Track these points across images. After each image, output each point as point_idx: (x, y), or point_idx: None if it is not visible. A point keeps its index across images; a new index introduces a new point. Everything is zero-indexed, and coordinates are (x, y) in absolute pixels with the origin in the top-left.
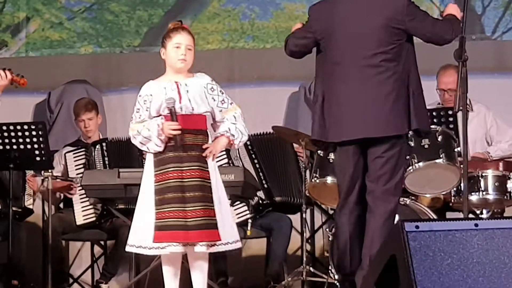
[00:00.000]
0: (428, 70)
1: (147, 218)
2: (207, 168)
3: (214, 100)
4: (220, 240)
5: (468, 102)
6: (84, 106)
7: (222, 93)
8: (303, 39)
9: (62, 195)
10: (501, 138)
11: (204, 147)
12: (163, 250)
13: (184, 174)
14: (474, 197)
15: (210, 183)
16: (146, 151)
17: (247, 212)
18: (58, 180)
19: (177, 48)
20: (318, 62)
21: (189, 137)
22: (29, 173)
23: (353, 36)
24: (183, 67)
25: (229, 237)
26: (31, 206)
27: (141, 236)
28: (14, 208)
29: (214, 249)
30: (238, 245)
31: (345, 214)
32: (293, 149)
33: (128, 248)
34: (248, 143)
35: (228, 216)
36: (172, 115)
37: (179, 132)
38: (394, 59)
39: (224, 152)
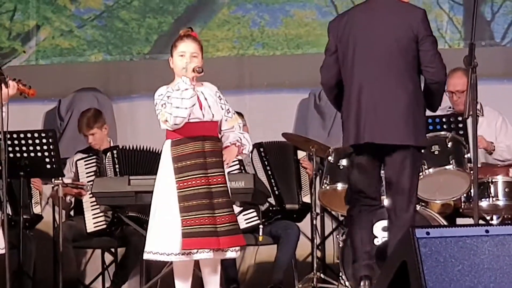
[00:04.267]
0: None
1: (170, 225)
2: (225, 174)
3: (222, 109)
4: (245, 244)
5: (479, 107)
6: (85, 124)
7: (227, 102)
8: (331, 66)
9: (72, 200)
10: (510, 141)
11: (223, 153)
12: (194, 256)
13: (211, 180)
14: (484, 203)
15: (227, 187)
16: (181, 116)
17: (256, 218)
18: (68, 187)
19: (182, 56)
20: (343, 71)
21: (211, 144)
22: None
23: (373, 45)
24: (190, 75)
25: None
26: (39, 213)
27: (164, 243)
28: (24, 216)
29: (236, 255)
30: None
31: (358, 213)
32: (296, 157)
33: (146, 256)
34: (261, 149)
35: None
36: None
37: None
38: (413, 68)
39: (236, 158)
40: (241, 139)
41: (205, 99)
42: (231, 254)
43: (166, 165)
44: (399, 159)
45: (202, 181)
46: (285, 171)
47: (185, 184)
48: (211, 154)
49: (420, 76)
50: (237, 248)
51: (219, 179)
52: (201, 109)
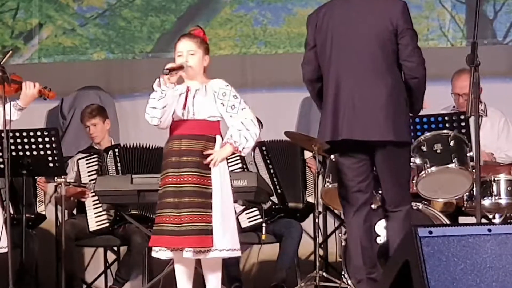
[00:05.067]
0: (439, 75)
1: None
2: (209, 174)
3: (223, 105)
4: (212, 246)
5: (483, 107)
6: (88, 113)
7: (236, 97)
8: (311, 61)
9: (76, 200)
10: (509, 146)
11: (205, 153)
12: (157, 254)
13: (181, 179)
14: (486, 202)
15: (210, 189)
16: (156, 117)
17: (259, 216)
18: (71, 186)
19: (180, 56)
20: (321, 65)
21: (189, 142)
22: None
23: (351, 38)
24: (189, 73)
25: (227, 244)
26: (43, 212)
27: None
28: (26, 215)
29: (206, 256)
30: (236, 253)
31: (355, 216)
32: (302, 157)
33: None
34: (264, 148)
35: (230, 223)
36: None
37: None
38: (392, 62)
39: (238, 157)
40: (232, 136)
41: (193, 97)
42: (186, 254)
43: None
44: (380, 155)
45: (174, 179)
46: (289, 170)
47: (162, 182)
48: (187, 153)
49: (402, 70)
50: (229, 247)
51: (190, 179)
52: (184, 108)
